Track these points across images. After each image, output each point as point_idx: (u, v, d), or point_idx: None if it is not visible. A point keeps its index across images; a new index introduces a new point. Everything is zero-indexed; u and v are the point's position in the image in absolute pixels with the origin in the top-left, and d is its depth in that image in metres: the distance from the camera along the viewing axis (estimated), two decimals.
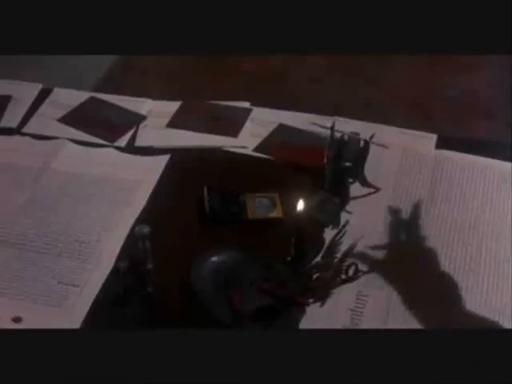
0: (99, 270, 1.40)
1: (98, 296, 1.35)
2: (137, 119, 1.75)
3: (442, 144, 1.68)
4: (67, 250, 1.43)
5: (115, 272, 1.36)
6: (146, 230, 1.35)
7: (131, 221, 1.49)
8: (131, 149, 1.66)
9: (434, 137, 1.71)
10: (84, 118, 1.74)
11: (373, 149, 1.59)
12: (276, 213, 1.49)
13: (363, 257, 1.39)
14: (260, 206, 1.51)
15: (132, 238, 1.38)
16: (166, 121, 1.74)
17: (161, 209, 1.51)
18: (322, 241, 1.41)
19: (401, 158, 1.66)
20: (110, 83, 2.93)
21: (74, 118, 1.74)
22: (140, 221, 1.47)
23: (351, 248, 1.36)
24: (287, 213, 1.46)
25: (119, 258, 1.41)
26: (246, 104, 1.81)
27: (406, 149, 1.68)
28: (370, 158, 1.59)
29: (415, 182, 1.60)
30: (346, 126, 1.71)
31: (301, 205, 1.31)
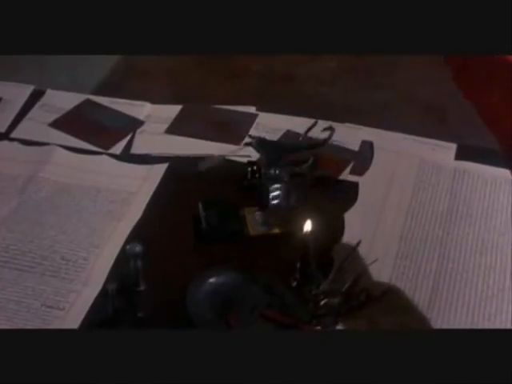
0: (87, 292, 1.28)
1: (84, 321, 1.23)
2: (134, 124, 1.63)
3: (462, 154, 1.56)
4: (52, 269, 1.32)
5: (104, 294, 1.24)
6: (137, 248, 1.25)
7: (123, 237, 1.37)
8: (126, 157, 1.54)
9: (454, 146, 1.59)
10: (77, 123, 1.63)
11: (387, 158, 1.48)
12: (279, 228, 1.37)
13: (376, 281, 1.27)
14: (262, 222, 1.38)
15: (123, 257, 1.28)
16: (165, 126, 1.63)
17: (155, 224, 1.40)
18: (331, 263, 1.28)
19: (417, 170, 1.54)
20: (111, 85, 2.81)
21: (66, 123, 1.63)
22: (132, 237, 1.36)
23: (363, 271, 1.24)
24: (292, 228, 1.33)
25: (109, 279, 1.29)
26: (252, 109, 1.69)
27: (423, 159, 1.56)
28: (383, 169, 1.48)
29: (433, 197, 1.48)
30: (358, 132, 1.60)
31: (308, 225, 1.19)
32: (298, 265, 1.21)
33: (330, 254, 1.32)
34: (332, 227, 1.35)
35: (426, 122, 1.66)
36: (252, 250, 1.35)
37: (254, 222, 1.40)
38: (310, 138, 1.52)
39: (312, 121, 1.60)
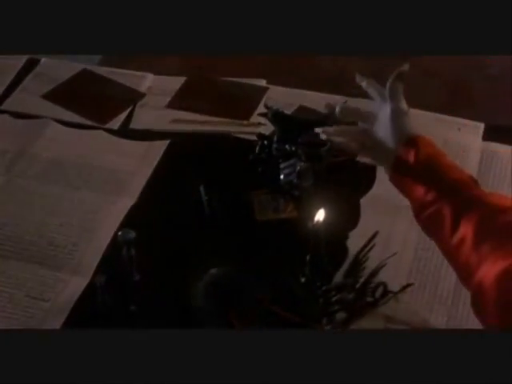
0: (75, 282, 1.17)
1: (70, 315, 1.12)
2: (134, 97, 1.53)
3: (490, 135, 1.44)
4: (38, 256, 1.20)
5: (93, 285, 1.13)
6: (130, 235, 1.13)
7: (117, 221, 1.26)
8: (125, 132, 1.45)
9: (481, 126, 1.46)
10: (73, 95, 1.52)
11: None
12: (289, 213, 1.24)
13: (394, 275, 1.15)
14: (270, 205, 1.26)
15: (117, 244, 1.15)
16: (168, 100, 1.52)
17: (153, 208, 1.29)
18: (344, 255, 1.16)
19: None
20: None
21: (60, 95, 1.52)
22: (127, 222, 1.25)
23: (380, 266, 1.11)
24: (303, 212, 1.21)
25: (99, 268, 1.18)
26: (262, 82, 1.57)
27: (447, 140, 1.42)
28: None
29: None
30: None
31: (320, 214, 1.06)
32: (308, 257, 1.08)
33: (344, 245, 1.21)
34: (346, 215, 1.23)
35: (451, 99, 1.52)
36: (258, 237, 1.24)
37: (262, 205, 1.28)
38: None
39: (327, 96, 1.47)
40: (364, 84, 1.14)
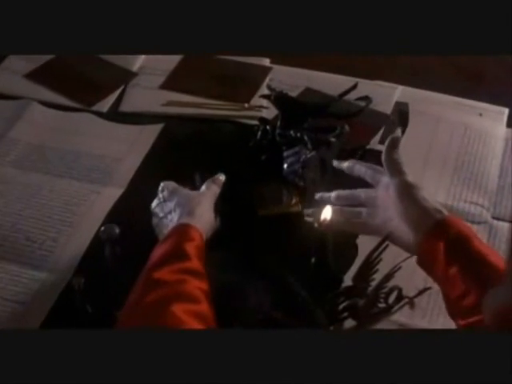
0: (53, 282, 1.05)
1: (46, 320, 0.99)
2: (125, 77, 1.42)
3: None
4: (14, 252, 1.09)
5: (72, 286, 1.00)
6: (114, 231, 1.02)
7: (102, 215, 1.15)
8: (114, 115, 1.34)
9: (505, 111, 1.35)
10: (57, 75, 1.41)
11: (424, 124, 1.24)
12: (292, 206, 1.12)
13: (409, 279, 1.03)
14: (271, 198, 1.14)
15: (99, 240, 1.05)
16: (161, 80, 1.41)
17: (142, 200, 1.15)
18: (354, 256, 1.03)
19: (462, 139, 1.30)
20: None
21: (45, 74, 1.41)
22: (114, 215, 1.14)
23: (396, 269, 0.98)
24: (308, 206, 1.08)
25: (80, 267, 1.06)
26: (266, 61, 1.46)
27: (468, 127, 1.32)
28: (420, 137, 1.23)
29: (480, 172, 1.24)
30: (391, 92, 1.35)
31: (327, 212, 0.93)
32: (313, 260, 0.96)
33: (354, 244, 1.09)
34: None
35: (473, 82, 1.39)
36: (259, 233, 1.12)
37: (263, 198, 1.15)
38: (342, 103, 1.26)
39: (336, 77, 1.35)
40: (347, 167, 1.02)
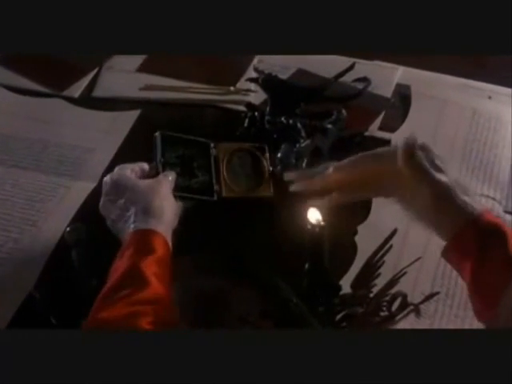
0: (13, 290, 0.94)
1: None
2: (99, 59, 1.33)
3: None
4: None
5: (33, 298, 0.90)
6: (82, 232, 0.93)
7: (71, 212, 1.05)
8: (87, 101, 1.26)
9: None
10: (24, 57, 1.31)
11: (429, 108, 1.18)
12: (264, 190, 1.00)
13: (414, 283, 0.94)
14: (245, 175, 1.02)
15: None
16: (139, 62, 1.32)
17: None
18: (353, 257, 0.92)
19: (470, 124, 1.20)
20: None
21: (11, 57, 1.32)
22: (84, 212, 1.04)
23: (400, 274, 0.88)
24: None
25: (45, 272, 0.95)
26: None
27: (476, 110, 1.23)
28: (423, 122, 1.13)
29: (490, 160, 1.15)
30: (392, 73, 1.26)
31: (314, 214, 0.81)
32: (307, 265, 0.84)
33: (353, 243, 0.99)
34: (355, 208, 1.00)
35: (481, 62, 1.31)
36: (247, 234, 1.02)
37: (232, 173, 1.02)
38: (338, 86, 1.16)
39: (330, 57, 1.25)
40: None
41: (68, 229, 0.92)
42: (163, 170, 0.95)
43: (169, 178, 0.93)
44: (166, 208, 0.89)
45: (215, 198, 0.98)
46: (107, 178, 0.92)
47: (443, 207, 0.80)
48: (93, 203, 1.05)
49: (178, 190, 0.94)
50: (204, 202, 0.98)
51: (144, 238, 0.85)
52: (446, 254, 0.81)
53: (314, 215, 0.81)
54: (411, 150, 0.81)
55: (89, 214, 1.01)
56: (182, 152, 0.99)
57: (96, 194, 1.07)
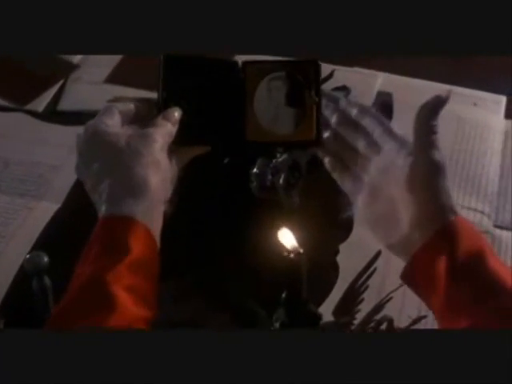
0: None
1: None
2: (64, 70, 1.30)
3: None
4: None
5: None
6: (42, 260, 0.85)
7: (33, 237, 0.99)
8: (51, 115, 1.23)
9: (503, 100, 1.23)
10: None
11: (412, 116, 1.08)
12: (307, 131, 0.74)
13: (401, 306, 0.89)
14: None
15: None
16: (107, 72, 1.30)
17: (83, 215, 0.97)
18: (334, 280, 0.87)
19: (455, 133, 1.16)
20: None
21: None
22: (47, 236, 0.99)
23: (386, 299, 0.83)
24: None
25: (4, 305, 0.91)
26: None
27: (461, 118, 1.19)
28: (406, 132, 1.07)
29: (478, 169, 1.11)
30: (373, 80, 1.25)
31: (288, 237, 0.75)
32: (284, 294, 0.78)
33: (334, 263, 0.95)
34: (334, 228, 0.94)
35: (466, 67, 1.27)
36: (223, 256, 0.96)
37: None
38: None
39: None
40: (355, 114, 0.72)
41: (27, 256, 0.86)
42: (165, 108, 0.71)
43: (167, 125, 0.70)
44: (150, 178, 0.67)
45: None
46: (82, 131, 0.72)
47: (428, 194, 0.67)
48: (56, 226, 1.01)
49: (183, 140, 0.71)
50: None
51: (114, 231, 0.65)
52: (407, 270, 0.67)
53: (288, 240, 0.75)
54: (438, 107, 0.70)
55: (51, 239, 0.97)
56: (195, 80, 0.74)
57: (60, 215, 1.03)
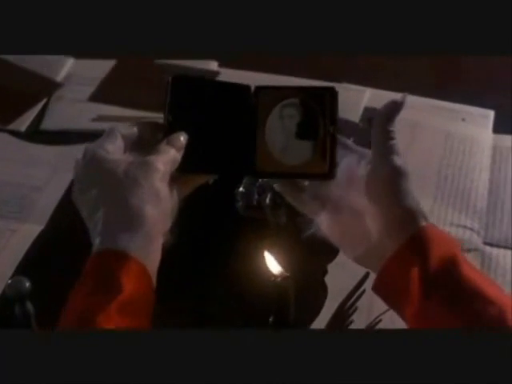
0: None
1: None
2: (48, 88, 1.27)
3: (502, 125, 1.20)
4: None
5: None
6: (24, 285, 0.83)
7: (14, 262, 0.96)
8: (34, 135, 1.20)
9: (491, 114, 1.21)
10: None
11: (400, 132, 1.07)
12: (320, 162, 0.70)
13: (391, 324, 0.85)
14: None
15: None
16: (91, 90, 1.26)
17: (68, 237, 0.99)
18: (322, 301, 0.86)
19: (443, 149, 1.15)
20: None
21: None
22: (29, 261, 0.96)
23: (376, 321, 0.81)
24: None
25: None
26: (213, 64, 1.31)
27: (449, 133, 1.17)
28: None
29: (467, 187, 1.08)
30: (360, 96, 1.23)
31: (273, 259, 0.74)
32: (272, 319, 0.77)
33: (323, 284, 0.92)
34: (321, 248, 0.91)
35: (453, 82, 1.26)
36: (208, 280, 0.94)
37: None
38: None
39: (292, 80, 1.19)
40: None
41: (9, 282, 0.84)
42: (171, 133, 0.67)
43: (171, 151, 0.66)
44: (148, 211, 0.64)
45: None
46: (80, 156, 0.69)
47: (393, 200, 0.66)
48: (39, 248, 0.99)
49: (188, 167, 0.67)
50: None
51: (107, 267, 0.62)
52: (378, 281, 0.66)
53: (274, 264, 0.73)
54: (394, 112, 0.69)
55: (34, 263, 0.94)
56: (204, 103, 0.70)
57: (43, 236, 1.01)
